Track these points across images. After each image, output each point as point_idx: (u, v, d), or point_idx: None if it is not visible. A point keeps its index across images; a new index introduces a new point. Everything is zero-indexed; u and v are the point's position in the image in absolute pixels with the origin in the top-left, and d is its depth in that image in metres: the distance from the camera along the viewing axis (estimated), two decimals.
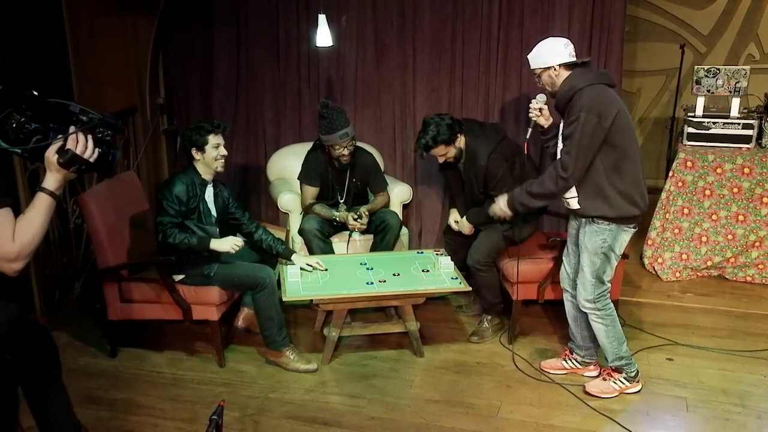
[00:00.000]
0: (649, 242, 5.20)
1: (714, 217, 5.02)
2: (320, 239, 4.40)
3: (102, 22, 4.93)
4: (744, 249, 5.01)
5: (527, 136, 3.68)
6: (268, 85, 5.33)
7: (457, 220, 4.34)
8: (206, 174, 3.88)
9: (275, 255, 4.13)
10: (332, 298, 3.86)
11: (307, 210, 4.55)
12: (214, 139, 3.82)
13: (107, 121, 2.17)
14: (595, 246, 3.45)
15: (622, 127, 3.29)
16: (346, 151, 4.36)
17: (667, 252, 5.14)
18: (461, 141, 4.13)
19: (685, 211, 5.06)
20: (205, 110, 5.49)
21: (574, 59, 3.39)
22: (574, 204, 3.45)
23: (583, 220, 3.48)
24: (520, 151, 4.13)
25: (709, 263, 5.09)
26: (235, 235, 3.98)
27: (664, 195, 5.09)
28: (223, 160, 3.88)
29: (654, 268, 5.18)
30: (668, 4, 6.94)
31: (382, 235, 4.50)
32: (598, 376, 3.77)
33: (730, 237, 5.02)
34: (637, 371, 3.67)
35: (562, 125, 3.46)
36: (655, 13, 7.00)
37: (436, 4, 4.86)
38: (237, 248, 3.85)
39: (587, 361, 3.85)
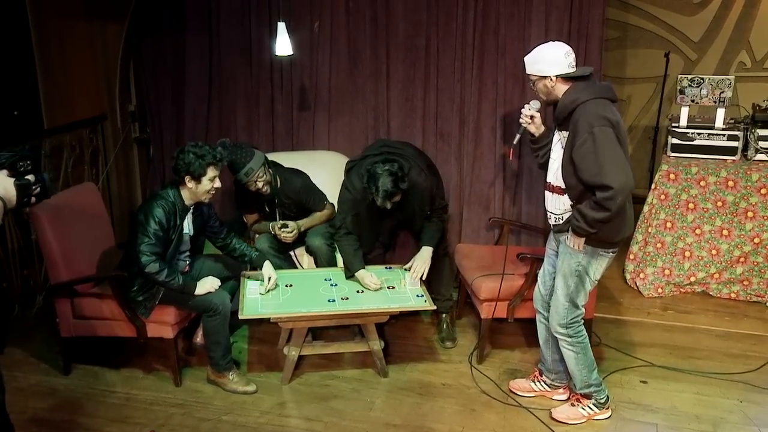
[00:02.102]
0: (631, 257, 5.04)
1: (698, 231, 4.86)
2: (275, 256, 4.27)
3: (69, 28, 4.79)
4: (728, 264, 4.84)
5: (514, 142, 3.49)
6: (240, 93, 5.19)
7: (373, 283, 3.99)
8: (189, 199, 3.69)
9: (248, 262, 4.00)
10: (291, 316, 3.71)
11: (252, 231, 4.51)
12: (212, 171, 3.61)
13: (21, 153, 2.31)
14: (569, 268, 3.28)
15: (623, 145, 3.10)
16: (260, 184, 4.21)
17: (649, 267, 4.98)
18: None
19: (668, 224, 4.89)
20: (177, 118, 5.35)
21: (574, 70, 3.17)
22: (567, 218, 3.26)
23: (563, 238, 3.31)
24: (417, 149, 4.40)
25: (692, 279, 4.92)
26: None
27: (646, 208, 4.92)
28: (213, 193, 3.69)
29: (636, 283, 5.01)
30: (658, 10, 6.77)
31: (314, 258, 4.40)
32: (567, 401, 3.62)
33: (714, 252, 4.85)
34: (607, 397, 3.51)
35: (556, 136, 3.27)
36: (645, 19, 6.83)
37: (409, 10, 4.71)
38: (214, 289, 3.71)
39: (557, 384, 3.69)
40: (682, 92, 4.96)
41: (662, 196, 4.86)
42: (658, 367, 4.00)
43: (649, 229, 4.93)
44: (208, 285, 3.69)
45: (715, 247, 4.84)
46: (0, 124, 4.24)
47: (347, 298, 3.86)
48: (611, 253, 3.28)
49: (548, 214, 3.39)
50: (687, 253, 4.90)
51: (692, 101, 4.97)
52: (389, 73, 4.86)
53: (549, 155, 3.36)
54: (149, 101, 5.42)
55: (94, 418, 3.52)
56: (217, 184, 3.66)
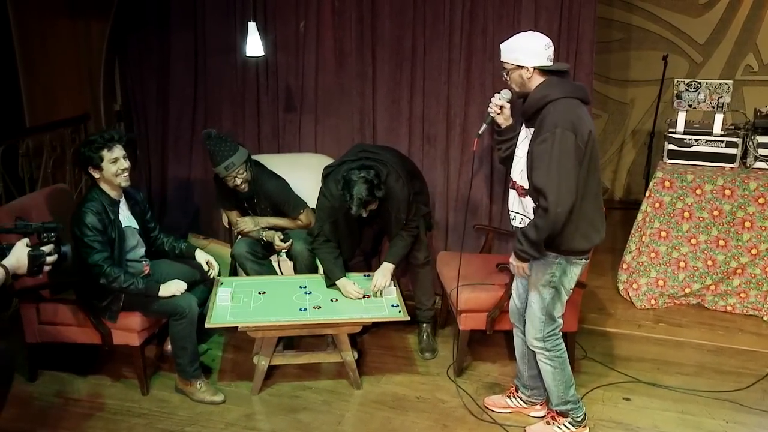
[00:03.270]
0: (624, 266, 4.86)
1: (693, 241, 4.67)
2: (253, 261, 4.17)
3: (52, 26, 4.73)
4: (725, 276, 4.65)
5: (480, 132, 3.32)
6: (225, 93, 5.07)
7: (355, 291, 3.90)
8: (113, 192, 3.57)
9: (181, 255, 3.89)
10: (259, 325, 3.60)
11: (238, 232, 4.38)
12: (109, 154, 3.46)
13: (46, 226, 2.56)
14: (543, 280, 3.13)
15: (590, 153, 2.95)
16: (238, 181, 4.10)
17: (642, 277, 4.80)
18: None
19: (663, 234, 4.71)
20: (163, 117, 5.26)
21: (552, 64, 3.01)
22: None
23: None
24: (400, 154, 4.27)
25: (687, 290, 4.74)
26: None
27: (640, 216, 4.75)
28: (125, 174, 3.53)
29: (628, 294, 4.84)
30: (663, 11, 6.58)
31: (294, 262, 4.27)
32: (543, 418, 3.47)
33: (710, 263, 4.67)
34: (585, 415, 3.36)
35: (523, 132, 3.12)
36: (649, 21, 6.64)
37: (395, 10, 4.57)
38: (180, 292, 3.58)
39: (533, 400, 3.55)
40: (679, 97, 4.78)
41: (657, 204, 4.69)
42: (643, 384, 3.84)
43: (643, 238, 4.75)
44: (173, 288, 3.58)
45: (710, 258, 4.66)
46: None
47: (319, 307, 3.74)
48: (584, 260, 3.15)
49: (511, 214, 3.24)
50: (682, 264, 4.72)
51: (690, 106, 4.78)
52: (375, 75, 4.73)
53: (513, 150, 3.20)
54: (135, 101, 5.33)
55: (53, 428, 3.42)
56: (123, 164, 3.50)
